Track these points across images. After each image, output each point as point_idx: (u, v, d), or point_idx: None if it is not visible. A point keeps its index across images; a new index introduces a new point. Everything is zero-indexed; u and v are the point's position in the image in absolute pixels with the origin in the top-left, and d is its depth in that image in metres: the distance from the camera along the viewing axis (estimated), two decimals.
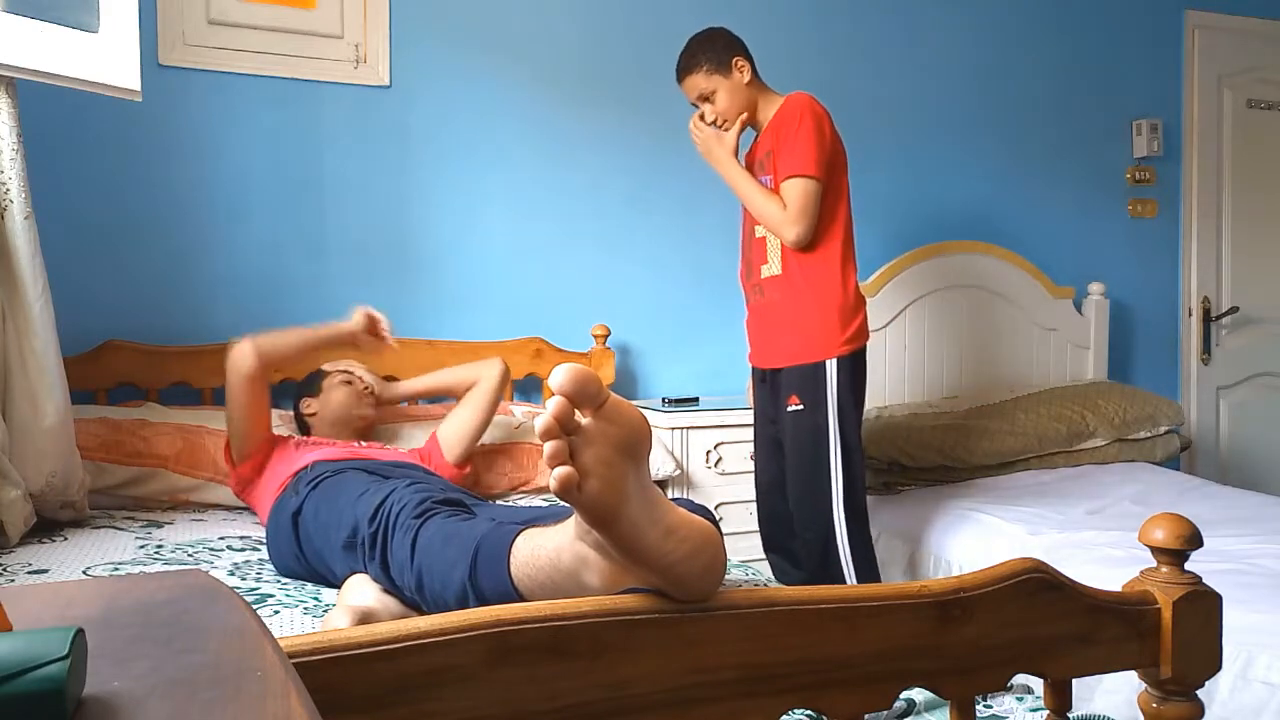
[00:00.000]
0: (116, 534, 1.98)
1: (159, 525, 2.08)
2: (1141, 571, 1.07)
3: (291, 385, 2.44)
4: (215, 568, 1.74)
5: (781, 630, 0.87)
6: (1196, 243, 3.88)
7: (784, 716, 0.89)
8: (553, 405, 0.79)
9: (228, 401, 2.05)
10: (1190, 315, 3.90)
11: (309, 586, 1.68)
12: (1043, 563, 0.99)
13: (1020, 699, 1.26)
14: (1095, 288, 3.59)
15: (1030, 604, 0.97)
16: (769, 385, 2.34)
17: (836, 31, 3.31)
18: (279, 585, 1.67)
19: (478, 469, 2.39)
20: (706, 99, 2.30)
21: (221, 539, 1.96)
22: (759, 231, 2.30)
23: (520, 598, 1.11)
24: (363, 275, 2.75)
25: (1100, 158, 3.75)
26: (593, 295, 3.00)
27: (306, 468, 1.89)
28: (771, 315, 2.29)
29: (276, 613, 1.51)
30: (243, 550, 1.89)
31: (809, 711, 1.00)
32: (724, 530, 2.02)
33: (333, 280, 2.72)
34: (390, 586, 1.44)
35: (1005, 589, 0.96)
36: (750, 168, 2.31)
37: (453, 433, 2.24)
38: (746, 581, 1.75)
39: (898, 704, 1.17)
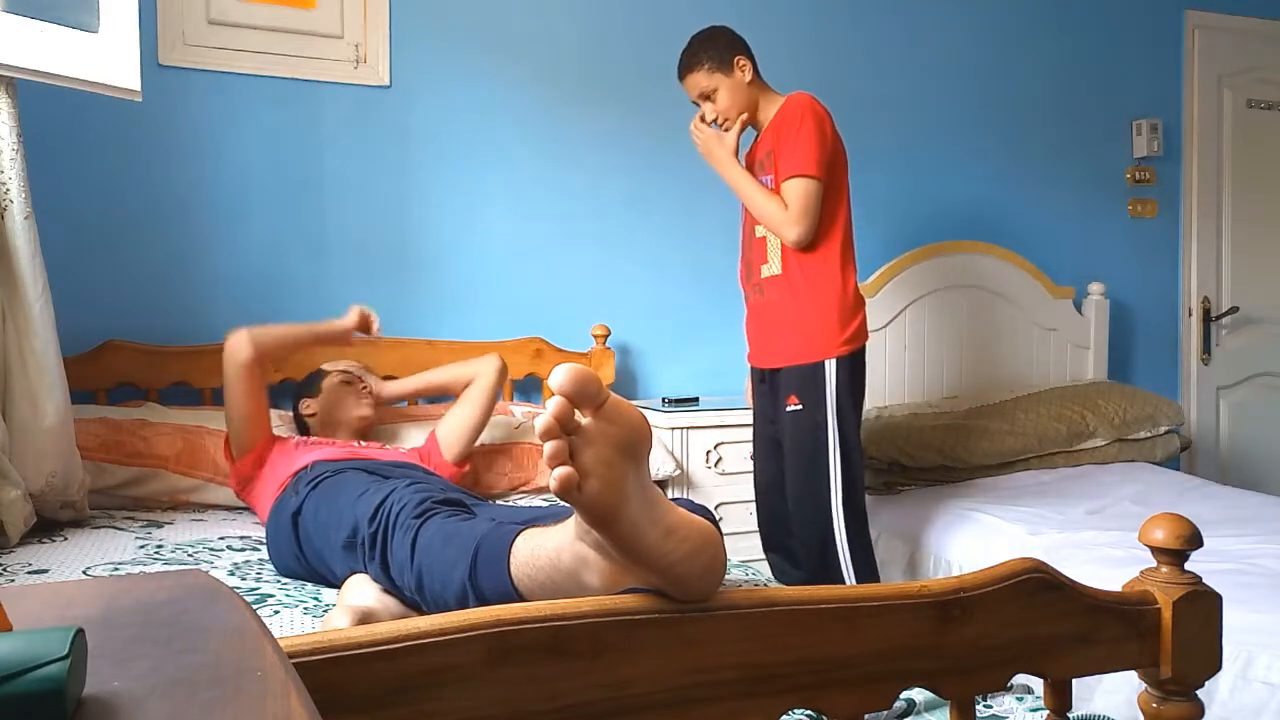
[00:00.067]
0: (116, 534, 1.98)
1: (159, 525, 2.08)
2: (1141, 571, 1.07)
3: (291, 385, 2.44)
4: (215, 568, 1.74)
5: (781, 630, 0.87)
6: (1196, 243, 3.88)
7: (784, 716, 0.89)
8: (553, 405, 0.79)
9: (225, 393, 2.05)
10: (1190, 315, 3.90)
11: (309, 586, 1.68)
12: (1043, 563, 0.99)
13: (1020, 699, 1.26)
14: (1095, 288, 3.59)
15: (1030, 604, 0.97)
16: (768, 385, 2.34)
17: (836, 31, 3.31)
18: (279, 585, 1.67)
19: (477, 469, 2.39)
20: (708, 97, 2.30)
21: (221, 539, 1.96)
22: (759, 231, 2.30)
23: (520, 598, 1.11)
24: (363, 275, 2.75)
25: (1100, 158, 3.75)
26: (593, 295, 3.00)
27: (306, 468, 1.89)
28: (771, 315, 2.29)
29: (276, 613, 1.51)
30: (243, 550, 1.89)
31: (809, 711, 1.00)
32: (724, 530, 2.03)
33: (333, 280, 2.72)
34: (390, 586, 1.44)
35: (1005, 589, 0.96)
36: (751, 167, 2.31)
37: (451, 431, 2.24)
38: (746, 581, 1.75)
39: (898, 704, 1.17)
